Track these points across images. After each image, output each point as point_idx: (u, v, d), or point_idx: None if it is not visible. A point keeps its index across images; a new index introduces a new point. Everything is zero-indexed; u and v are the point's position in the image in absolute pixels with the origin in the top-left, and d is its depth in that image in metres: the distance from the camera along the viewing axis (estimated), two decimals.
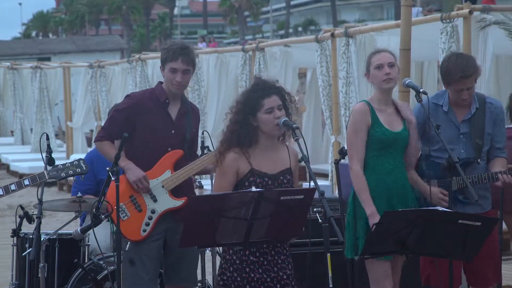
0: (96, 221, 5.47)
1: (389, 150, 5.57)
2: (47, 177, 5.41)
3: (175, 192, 5.79)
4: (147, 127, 5.78)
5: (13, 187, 5.43)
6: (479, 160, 5.76)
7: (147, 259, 5.75)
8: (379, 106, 5.63)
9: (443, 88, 5.95)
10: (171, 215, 5.78)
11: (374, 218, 5.32)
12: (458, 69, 5.64)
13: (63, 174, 5.41)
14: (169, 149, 5.80)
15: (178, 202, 5.78)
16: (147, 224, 5.72)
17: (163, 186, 5.76)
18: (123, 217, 5.67)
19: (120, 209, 5.62)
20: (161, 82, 5.93)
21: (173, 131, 5.82)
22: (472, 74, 5.67)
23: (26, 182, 5.42)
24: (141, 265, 5.73)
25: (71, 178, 5.83)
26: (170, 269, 5.91)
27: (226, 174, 5.09)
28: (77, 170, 5.43)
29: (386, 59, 5.63)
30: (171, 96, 5.85)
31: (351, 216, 5.62)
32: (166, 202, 5.77)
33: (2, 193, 5.43)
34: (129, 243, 5.72)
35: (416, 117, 5.71)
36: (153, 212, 5.74)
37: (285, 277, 5.08)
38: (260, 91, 5.11)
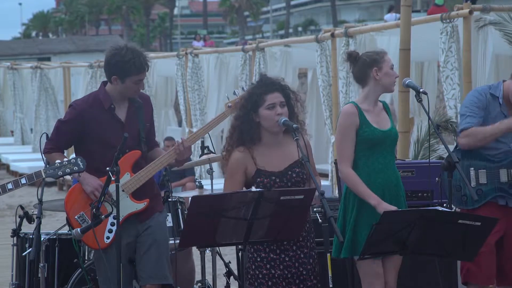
0: (96, 221, 5.47)
1: (378, 149, 5.56)
2: (43, 176, 5.38)
3: (137, 194, 5.66)
4: (97, 135, 5.63)
5: (10, 186, 5.41)
6: None
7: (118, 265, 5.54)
8: (368, 106, 5.62)
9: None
10: (135, 218, 5.66)
11: (381, 206, 5.28)
12: None
13: (60, 173, 5.37)
14: (127, 150, 5.61)
15: (140, 205, 5.65)
16: (110, 231, 5.56)
17: (123, 190, 5.59)
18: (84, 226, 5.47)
19: (80, 218, 5.53)
20: (105, 84, 5.75)
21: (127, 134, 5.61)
22: None
23: (23, 181, 5.39)
24: (112, 272, 5.47)
25: (70, 178, 5.82)
26: (137, 267, 5.72)
27: (234, 174, 5.11)
28: (74, 168, 5.39)
29: (391, 61, 5.65)
30: (117, 99, 5.70)
31: (341, 217, 5.60)
32: (128, 206, 5.62)
33: None
34: (93, 251, 5.57)
35: (479, 103, 5.79)
36: (115, 218, 5.51)
37: (304, 272, 5.10)
38: (263, 87, 5.13)
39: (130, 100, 5.75)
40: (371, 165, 5.54)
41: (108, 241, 5.57)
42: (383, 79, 5.58)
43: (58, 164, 5.37)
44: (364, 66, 5.61)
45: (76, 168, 5.39)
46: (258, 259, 5.07)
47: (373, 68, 5.57)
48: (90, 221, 5.50)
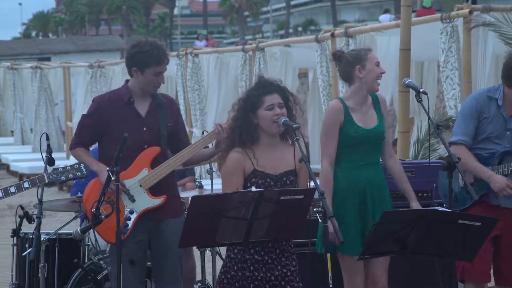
0: (96, 221, 5.47)
1: (361, 147, 5.57)
2: (46, 180, 5.40)
3: (154, 190, 5.69)
4: (116, 127, 5.67)
5: (12, 189, 5.43)
6: None
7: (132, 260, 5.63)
8: (354, 104, 5.62)
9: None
10: (151, 215, 5.70)
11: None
12: None
13: (63, 178, 5.41)
14: (145, 146, 5.69)
15: (156, 201, 5.69)
16: (126, 226, 5.60)
17: (140, 185, 5.66)
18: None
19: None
20: (127, 81, 5.83)
21: (144, 128, 5.70)
22: None
23: (26, 185, 5.42)
24: (126, 268, 5.58)
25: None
26: (154, 271, 5.84)
27: (233, 174, 5.10)
28: (77, 174, 5.42)
29: (376, 58, 5.65)
30: (138, 94, 5.76)
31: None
32: (145, 202, 5.67)
33: (1, 195, 5.42)
34: (109, 245, 5.62)
35: (470, 111, 5.84)
36: (131, 212, 5.63)
37: (289, 273, 5.09)
38: (261, 88, 5.14)
39: (152, 97, 5.80)
40: (353, 162, 5.56)
41: (124, 235, 5.59)
42: (366, 77, 5.59)
43: (62, 169, 5.40)
44: (348, 65, 5.63)
45: (79, 173, 5.42)
46: (242, 260, 5.04)
47: (356, 66, 5.59)
48: (103, 215, 5.56)
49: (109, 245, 5.63)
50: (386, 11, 31.09)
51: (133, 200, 5.67)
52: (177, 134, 5.88)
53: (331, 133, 5.55)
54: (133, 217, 5.66)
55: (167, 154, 5.81)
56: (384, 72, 5.66)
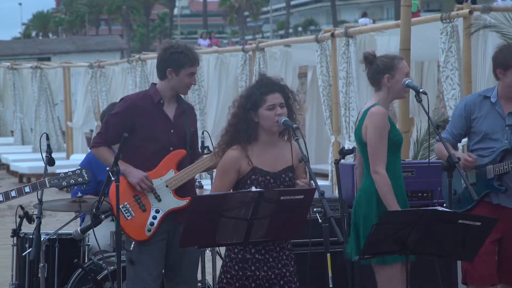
0: (96, 221, 5.47)
1: (399, 153, 5.58)
2: (48, 186, 5.43)
3: (179, 192, 5.76)
4: (145, 127, 5.74)
5: (13, 193, 5.44)
6: None
7: (150, 260, 5.70)
8: (387, 109, 5.61)
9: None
10: (172, 216, 5.76)
11: None
12: None
13: (64, 183, 5.43)
14: (171, 148, 5.77)
15: (182, 202, 5.74)
16: (152, 224, 5.68)
17: (167, 186, 5.73)
18: (127, 217, 5.65)
19: (124, 208, 5.62)
20: (154, 84, 5.89)
21: (172, 130, 5.78)
22: None
23: (27, 189, 5.43)
24: (144, 266, 5.68)
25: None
26: (170, 270, 5.88)
27: (227, 172, 5.10)
28: (78, 180, 5.44)
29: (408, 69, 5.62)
30: (167, 96, 5.82)
31: (363, 218, 5.54)
32: (171, 202, 5.74)
33: (1, 199, 5.43)
34: (133, 243, 5.70)
35: (459, 111, 5.88)
36: (157, 211, 5.71)
37: (288, 274, 5.10)
38: (263, 87, 5.13)
39: (178, 101, 5.86)
40: (396, 169, 5.52)
41: (149, 233, 5.67)
42: (394, 87, 5.52)
43: (63, 174, 5.41)
44: (377, 71, 5.54)
45: (81, 179, 5.44)
46: (243, 260, 5.04)
47: (385, 75, 5.51)
48: (133, 212, 5.63)
49: (133, 242, 5.67)
50: (364, 15, 31.51)
51: (159, 200, 5.73)
52: (194, 142, 5.95)
53: (385, 138, 5.43)
54: (159, 216, 5.71)
55: (189, 158, 5.86)
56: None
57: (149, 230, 5.68)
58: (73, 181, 5.42)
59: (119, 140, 5.50)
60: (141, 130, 5.74)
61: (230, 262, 5.08)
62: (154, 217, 5.70)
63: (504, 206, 5.84)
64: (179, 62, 5.73)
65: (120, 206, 5.52)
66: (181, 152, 5.79)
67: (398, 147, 5.54)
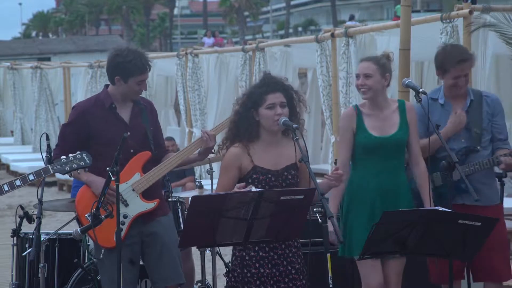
0: (96, 221, 5.46)
1: (375, 154, 5.59)
2: (51, 171, 5.40)
3: (146, 194, 5.70)
4: (101, 133, 5.66)
5: (18, 182, 5.42)
6: (479, 147, 5.82)
7: (123, 264, 5.54)
8: (371, 110, 5.63)
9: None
10: (142, 219, 5.70)
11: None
12: (457, 54, 5.79)
13: (67, 168, 5.40)
14: (132, 151, 5.67)
15: (150, 205, 5.70)
16: (120, 230, 5.50)
17: (133, 190, 5.66)
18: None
19: (89, 218, 5.55)
20: (107, 86, 5.80)
21: (129, 133, 5.55)
22: (468, 58, 5.83)
23: (31, 177, 5.41)
24: (115, 272, 5.43)
25: (70, 178, 5.81)
26: (152, 271, 5.81)
27: (229, 169, 5.11)
28: (81, 164, 5.41)
29: (363, 70, 5.64)
30: (120, 99, 5.74)
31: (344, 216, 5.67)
32: (138, 206, 5.68)
33: (7, 189, 5.42)
34: (103, 250, 5.64)
35: (418, 117, 5.77)
36: (125, 217, 5.62)
37: (293, 271, 5.10)
38: (265, 86, 5.14)
39: (134, 102, 5.79)
40: (367, 169, 5.59)
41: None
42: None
43: (65, 160, 5.39)
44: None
45: (83, 163, 5.41)
46: (247, 258, 5.05)
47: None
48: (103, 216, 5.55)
49: (103, 250, 5.61)
50: (352, 18, 31.81)
51: (127, 205, 5.67)
52: (157, 140, 5.87)
53: (344, 139, 5.67)
54: (127, 221, 5.65)
55: (156, 160, 5.79)
56: (363, 84, 5.62)
57: None
58: (76, 165, 5.40)
59: (77, 149, 5.45)
60: (98, 137, 5.67)
61: (235, 260, 5.09)
62: (122, 223, 5.58)
63: (469, 205, 5.80)
64: (127, 71, 5.64)
65: (86, 215, 5.44)
66: (145, 154, 5.72)
67: (366, 149, 5.60)
